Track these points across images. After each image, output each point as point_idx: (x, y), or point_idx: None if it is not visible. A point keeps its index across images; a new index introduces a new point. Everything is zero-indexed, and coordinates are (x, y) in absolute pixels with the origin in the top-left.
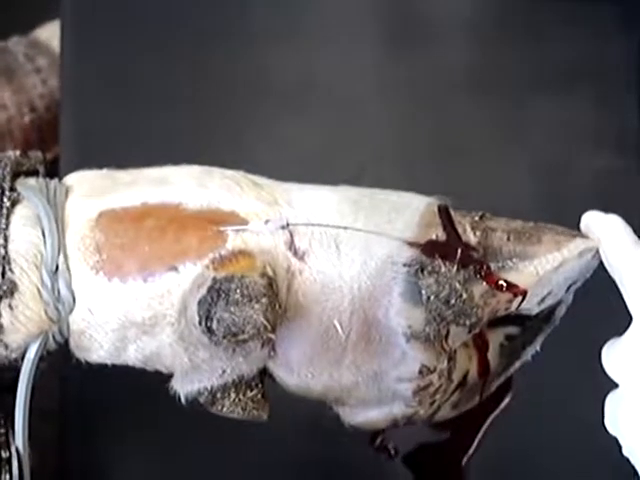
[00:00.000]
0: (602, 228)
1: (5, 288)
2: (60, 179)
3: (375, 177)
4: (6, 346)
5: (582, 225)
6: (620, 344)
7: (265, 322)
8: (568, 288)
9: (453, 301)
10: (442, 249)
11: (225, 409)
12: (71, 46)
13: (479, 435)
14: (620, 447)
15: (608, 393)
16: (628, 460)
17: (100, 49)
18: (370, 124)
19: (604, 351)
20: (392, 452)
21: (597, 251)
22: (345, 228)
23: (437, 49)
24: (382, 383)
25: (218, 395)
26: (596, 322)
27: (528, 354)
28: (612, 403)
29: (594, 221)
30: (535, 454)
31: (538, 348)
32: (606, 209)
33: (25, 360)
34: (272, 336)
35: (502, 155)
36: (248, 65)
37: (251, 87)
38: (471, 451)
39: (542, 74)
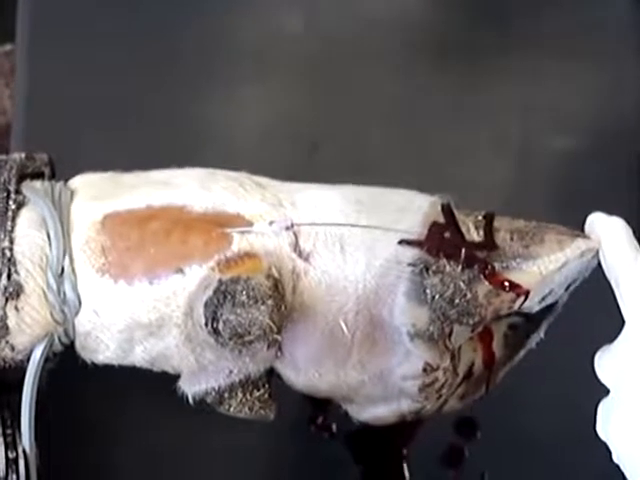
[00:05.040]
0: (603, 230)
1: (11, 290)
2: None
3: (333, 146)
4: (12, 347)
5: (586, 225)
6: (612, 350)
7: (271, 323)
8: (567, 287)
9: (457, 300)
10: (447, 248)
11: (232, 409)
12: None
13: (420, 427)
14: (610, 453)
15: (601, 399)
16: (618, 467)
17: (56, 19)
18: (330, 92)
19: (597, 357)
20: (334, 431)
21: (597, 252)
22: (350, 226)
23: (399, 16)
24: (388, 381)
25: (225, 395)
26: (591, 327)
27: (533, 342)
28: (604, 409)
29: (596, 222)
30: (532, 461)
31: (542, 335)
32: (566, 190)
33: (31, 361)
34: (278, 337)
35: (464, 132)
36: (208, 29)
37: (211, 51)
38: (412, 441)
39: (507, 50)
